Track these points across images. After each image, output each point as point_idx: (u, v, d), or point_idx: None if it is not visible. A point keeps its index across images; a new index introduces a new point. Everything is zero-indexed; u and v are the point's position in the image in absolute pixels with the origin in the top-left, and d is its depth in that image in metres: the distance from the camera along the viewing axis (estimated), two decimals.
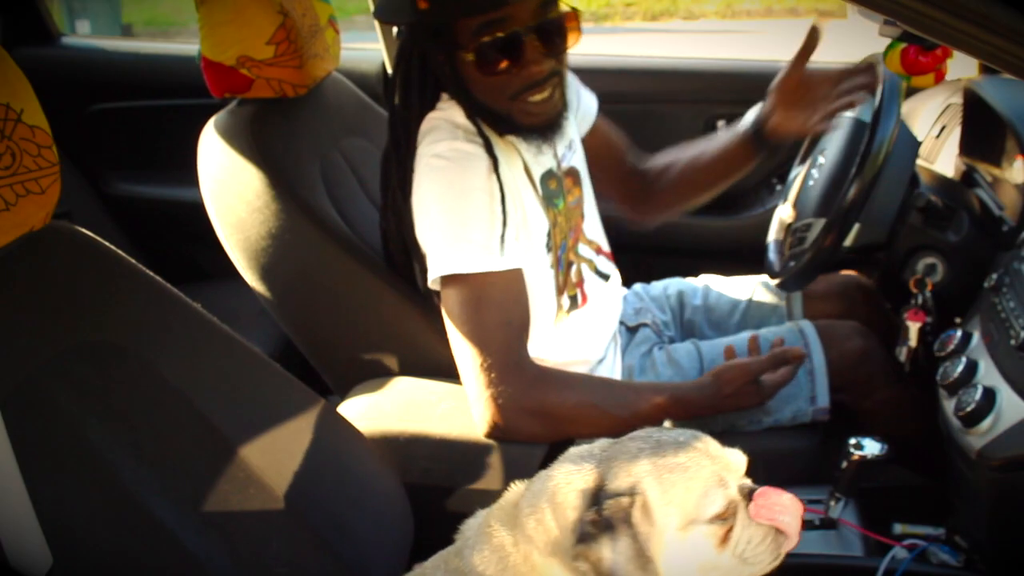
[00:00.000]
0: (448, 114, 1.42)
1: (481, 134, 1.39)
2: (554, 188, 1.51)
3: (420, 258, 1.42)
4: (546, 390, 1.35)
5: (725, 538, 0.87)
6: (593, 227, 1.63)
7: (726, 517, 0.86)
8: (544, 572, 0.87)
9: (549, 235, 1.48)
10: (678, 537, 0.85)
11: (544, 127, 1.43)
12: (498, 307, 1.34)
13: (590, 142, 1.70)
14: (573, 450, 0.94)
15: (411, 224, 1.41)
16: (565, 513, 0.86)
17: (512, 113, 1.40)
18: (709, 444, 0.91)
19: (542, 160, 1.50)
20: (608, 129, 1.74)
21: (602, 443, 0.93)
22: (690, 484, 0.86)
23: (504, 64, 1.35)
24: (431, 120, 1.42)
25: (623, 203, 1.80)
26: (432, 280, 1.37)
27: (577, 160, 1.61)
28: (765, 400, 1.44)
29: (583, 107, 1.69)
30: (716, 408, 1.41)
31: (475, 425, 1.36)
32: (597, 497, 0.85)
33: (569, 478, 0.88)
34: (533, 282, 1.45)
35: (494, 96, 1.39)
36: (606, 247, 1.67)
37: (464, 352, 1.34)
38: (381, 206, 1.51)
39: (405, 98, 1.44)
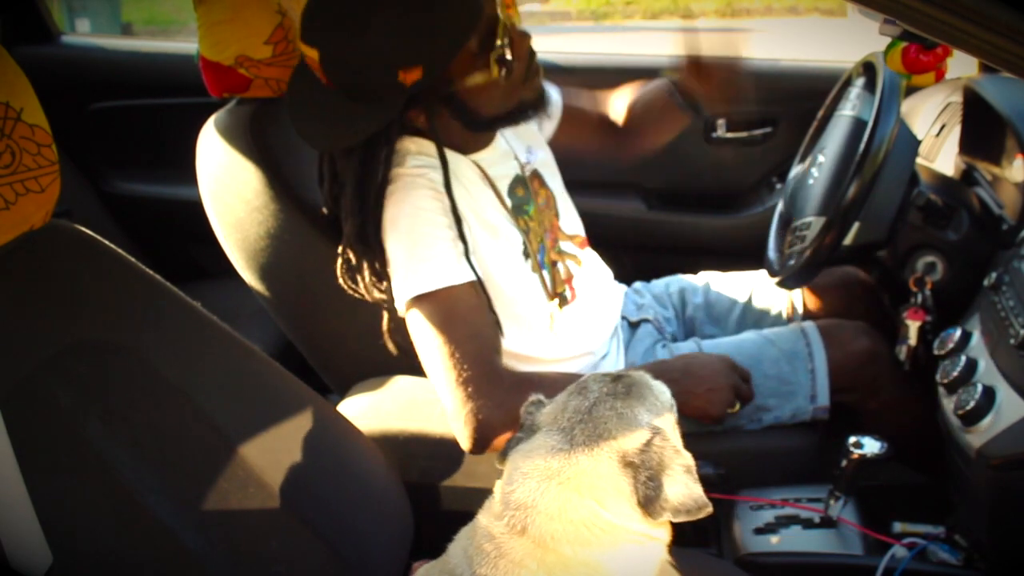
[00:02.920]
0: (401, 146, 1.41)
1: (437, 154, 1.39)
2: (522, 195, 1.51)
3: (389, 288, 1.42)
4: (525, 395, 1.31)
5: None
6: (571, 221, 1.64)
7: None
8: (583, 561, 0.87)
9: (524, 243, 1.48)
10: (675, 434, 0.94)
11: (541, 95, 1.45)
12: (465, 321, 1.32)
13: (568, 129, 1.71)
14: (526, 459, 0.90)
15: (381, 255, 1.40)
16: (613, 494, 0.87)
17: (524, 96, 1.41)
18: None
19: (506, 171, 1.50)
20: (573, 105, 1.74)
21: (552, 434, 0.91)
22: (656, 392, 0.95)
23: (516, 51, 1.35)
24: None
25: (615, 154, 1.82)
26: (400, 308, 1.36)
27: (540, 162, 1.61)
28: (735, 401, 1.43)
29: (552, 104, 1.69)
30: (688, 386, 1.40)
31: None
32: (632, 462, 0.87)
33: (589, 467, 0.87)
34: (516, 288, 1.46)
35: (508, 94, 1.39)
36: (583, 235, 1.67)
37: (438, 370, 1.31)
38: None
39: (350, 186, 1.39)
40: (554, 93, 1.70)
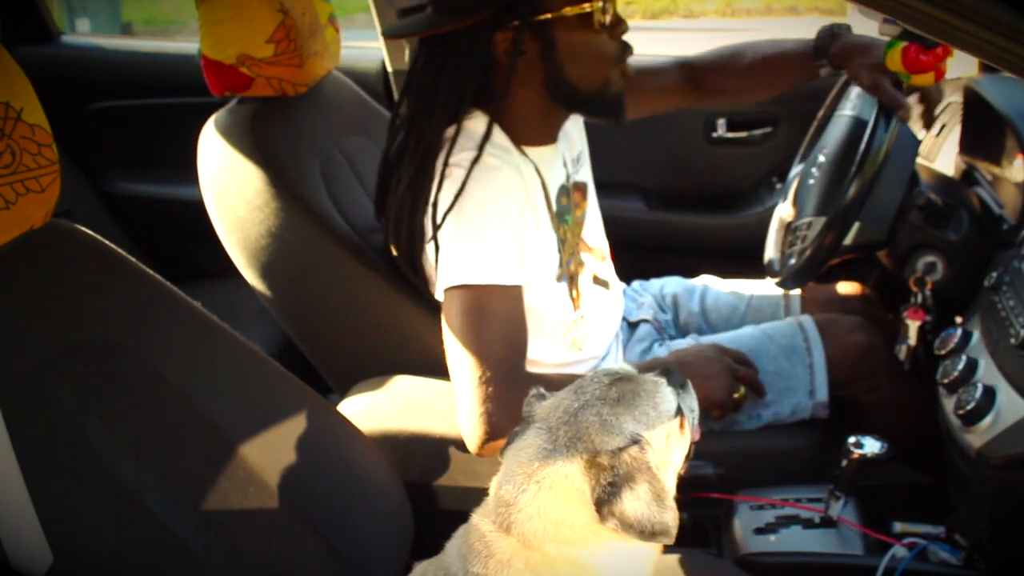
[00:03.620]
0: (472, 125, 1.40)
1: (507, 147, 1.38)
2: (565, 204, 1.51)
3: (427, 267, 1.42)
4: None
5: (682, 424, 0.95)
6: (595, 233, 1.63)
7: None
8: (568, 559, 0.87)
9: (560, 251, 1.47)
10: (666, 450, 0.92)
11: (622, 99, 1.45)
12: (502, 321, 1.31)
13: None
14: (515, 457, 0.91)
15: (421, 233, 1.40)
16: (578, 494, 0.86)
17: (610, 80, 1.41)
18: (620, 365, 0.98)
19: (557, 176, 1.50)
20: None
21: (541, 432, 0.91)
22: (654, 403, 0.92)
23: (614, 14, 1.35)
24: (453, 130, 1.40)
25: (684, 104, 1.80)
26: (440, 289, 1.35)
27: (585, 173, 1.61)
28: (735, 386, 1.43)
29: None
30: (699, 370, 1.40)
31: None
32: (599, 463, 0.86)
33: (563, 468, 0.87)
34: (542, 297, 1.45)
35: (595, 63, 1.39)
36: (606, 250, 1.67)
37: (462, 363, 1.30)
38: (382, 211, 1.50)
39: (429, 105, 1.40)
40: None
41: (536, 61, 1.37)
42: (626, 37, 1.41)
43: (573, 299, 1.51)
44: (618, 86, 1.43)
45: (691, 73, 1.73)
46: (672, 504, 0.85)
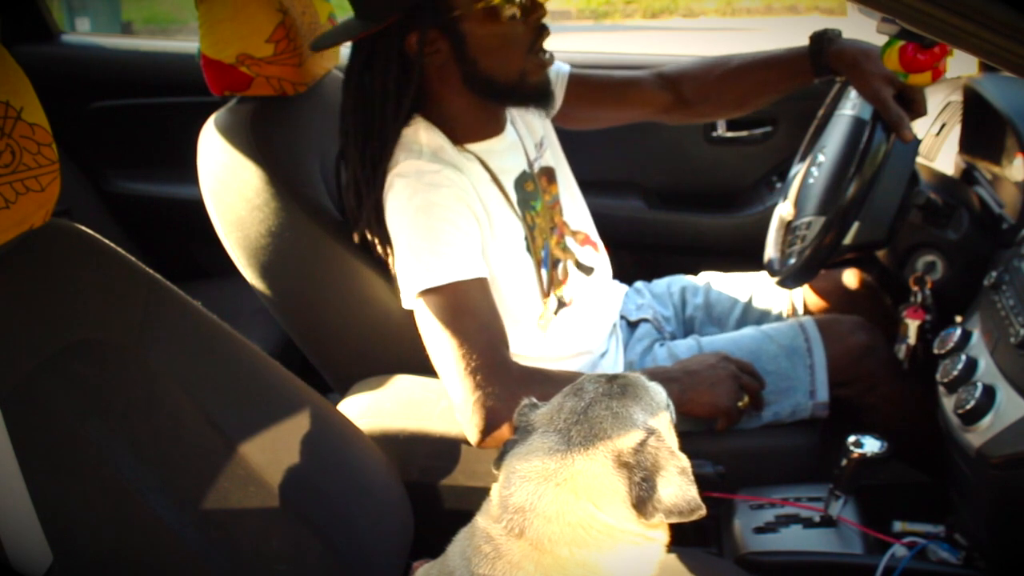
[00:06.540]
0: (408, 133, 1.42)
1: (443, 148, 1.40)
2: (531, 190, 1.51)
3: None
4: (533, 388, 1.27)
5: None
6: (577, 217, 1.63)
7: None
8: (580, 562, 0.87)
9: (527, 239, 1.48)
10: (671, 436, 0.93)
11: (546, 87, 1.45)
12: (474, 313, 1.33)
13: (578, 97, 1.68)
14: (522, 462, 0.90)
15: (387, 244, 1.42)
16: (608, 494, 0.87)
17: (526, 71, 1.41)
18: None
19: (513, 165, 1.51)
20: (591, 80, 1.71)
21: (549, 435, 0.91)
22: (651, 392, 0.95)
23: (526, 13, 1.36)
24: (395, 139, 1.42)
25: (655, 118, 1.78)
26: (407, 300, 1.37)
27: (550, 158, 1.61)
28: (740, 395, 1.44)
29: (559, 79, 1.68)
30: (691, 384, 1.42)
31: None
32: (627, 462, 0.87)
33: (585, 467, 0.87)
34: (514, 287, 1.46)
35: (509, 54, 1.39)
36: (594, 235, 1.67)
37: (447, 361, 1.32)
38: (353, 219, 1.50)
39: (366, 115, 1.42)
40: (562, 65, 1.67)
41: (450, 59, 1.39)
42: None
43: (552, 286, 1.51)
44: (536, 76, 1.43)
45: (669, 82, 1.72)
46: (692, 476, 0.87)
